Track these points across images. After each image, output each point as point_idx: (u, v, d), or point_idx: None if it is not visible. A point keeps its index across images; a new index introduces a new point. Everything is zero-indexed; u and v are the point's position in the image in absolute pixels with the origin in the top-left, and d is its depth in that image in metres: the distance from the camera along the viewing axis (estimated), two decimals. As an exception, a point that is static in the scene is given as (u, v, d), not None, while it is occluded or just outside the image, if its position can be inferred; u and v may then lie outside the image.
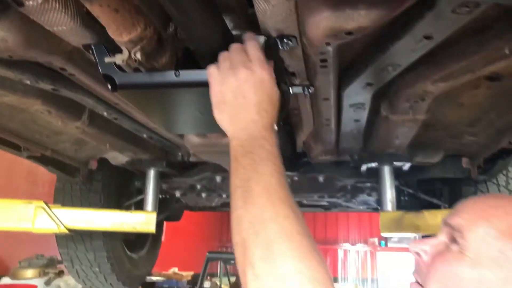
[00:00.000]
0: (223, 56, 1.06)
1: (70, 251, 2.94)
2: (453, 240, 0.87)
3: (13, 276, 5.94)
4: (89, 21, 1.12)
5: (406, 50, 1.19)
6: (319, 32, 1.03)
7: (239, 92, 1.00)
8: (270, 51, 1.22)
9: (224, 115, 1.03)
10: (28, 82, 1.46)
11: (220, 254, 8.64)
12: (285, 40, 1.20)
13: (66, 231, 2.37)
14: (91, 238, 2.88)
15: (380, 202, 2.33)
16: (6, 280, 5.78)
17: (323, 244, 14.83)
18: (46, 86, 1.50)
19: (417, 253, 0.92)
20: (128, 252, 3.29)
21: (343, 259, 14.73)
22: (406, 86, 1.46)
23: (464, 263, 0.83)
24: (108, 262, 2.96)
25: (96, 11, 0.97)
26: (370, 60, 1.30)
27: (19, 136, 2.18)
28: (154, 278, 9.67)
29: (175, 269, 10.32)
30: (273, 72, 1.05)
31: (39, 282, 5.91)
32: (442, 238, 0.91)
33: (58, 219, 2.35)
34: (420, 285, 0.89)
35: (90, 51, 1.21)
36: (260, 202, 0.86)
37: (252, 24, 1.19)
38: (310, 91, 1.53)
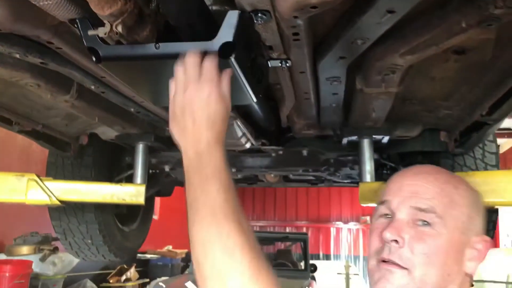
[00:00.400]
0: (178, 69, 1.10)
1: (63, 223, 3.03)
2: (422, 221, 0.97)
3: (9, 253, 6.03)
4: None
5: (372, 24, 1.27)
6: (287, 5, 1.11)
7: (187, 108, 1.04)
8: (246, 25, 1.30)
9: (175, 130, 1.08)
10: (17, 55, 1.53)
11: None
12: (259, 15, 1.28)
13: (58, 203, 2.46)
14: (83, 211, 2.97)
15: (360, 173, 2.43)
16: (2, 257, 5.87)
17: (316, 222, 15.08)
18: (35, 59, 1.57)
19: (396, 241, 0.96)
20: (120, 225, 3.39)
21: (335, 237, 14.98)
22: (376, 59, 1.54)
23: (444, 239, 0.95)
24: (100, 234, 3.06)
25: (77, -15, 1.05)
26: (340, 34, 1.38)
27: (10, 111, 2.25)
28: (148, 256, 9.84)
29: (169, 247, 10.48)
30: (226, 88, 1.10)
31: (35, 258, 6.01)
32: (403, 216, 0.99)
33: (50, 191, 2.44)
34: (404, 268, 0.95)
35: (75, 25, 1.28)
36: (206, 223, 0.93)
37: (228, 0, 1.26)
38: (287, 64, 1.61)
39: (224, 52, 1.26)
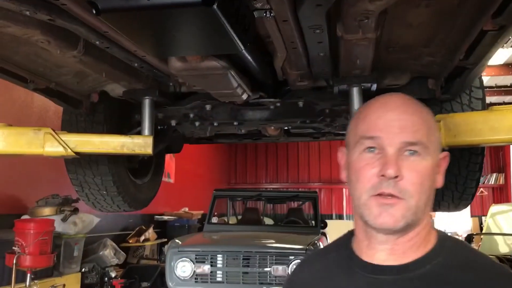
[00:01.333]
0: None
1: (79, 176, 3.28)
2: (409, 150, 1.02)
3: (32, 215, 6.32)
4: None
5: (338, -29, 1.42)
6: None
7: None
8: None
9: None
10: (28, 13, 1.72)
11: (226, 191, 9.03)
12: None
13: (73, 154, 2.68)
14: (97, 164, 3.21)
15: (349, 120, 2.59)
16: (26, 218, 6.17)
17: (328, 184, 15.32)
18: (43, 16, 1.75)
19: (396, 176, 1.00)
20: (133, 178, 3.63)
21: (347, 197, 15.22)
22: (349, 5, 1.69)
23: (429, 165, 1.04)
24: (113, 185, 3.29)
25: None
26: (313, -19, 1.53)
27: (24, 69, 2.46)
28: (165, 217, 10.18)
29: (186, 209, 10.78)
30: None
31: (56, 219, 6.29)
32: (394, 151, 1.02)
33: (65, 143, 2.65)
34: (402, 198, 1.00)
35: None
36: None
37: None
38: (271, 14, 1.77)
39: (207, 1, 1.43)
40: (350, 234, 1.18)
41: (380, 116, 1.06)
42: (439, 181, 1.09)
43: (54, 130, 2.68)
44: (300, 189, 14.58)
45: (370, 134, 1.06)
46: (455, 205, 3.37)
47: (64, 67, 2.54)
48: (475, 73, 2.46)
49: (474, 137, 2.24)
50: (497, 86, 11.81)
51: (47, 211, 6.42)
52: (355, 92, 2.59)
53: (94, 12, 1.48)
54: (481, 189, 14.83)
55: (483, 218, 13.23)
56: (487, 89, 11.66)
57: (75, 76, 2.70)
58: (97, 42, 2.09)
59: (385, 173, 1.00)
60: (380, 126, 1.05)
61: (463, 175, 3.06)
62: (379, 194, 1.02)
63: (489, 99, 12.28)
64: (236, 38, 1.71)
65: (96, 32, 1.98)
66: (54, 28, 1.92)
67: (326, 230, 7.60)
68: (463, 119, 2.31)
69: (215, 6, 1.45)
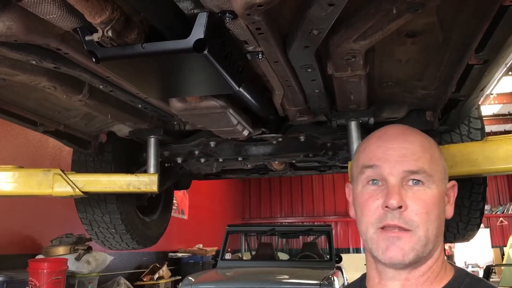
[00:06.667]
0: None
1: (89, 215, 3.35)
2: (413, 180, 1.00)
3: (46, 254, 6.39)
4: (73, 9, 1.47)
5: (320, 16, 1.50)
6: (238, 6, 1.35)
7: None
8: (218, 24, 1.56)
9: None
10: (34, 62, 1.84)
11: (239, 226, 9.05)
12: (227, 14, 1.54)
13: (81, 194, 2.77)
14: (106, 203, 3.28)
15: (349, 153, 2.65)
16: (40, 257, 6.24)
17: (344, 217, 15.19)
18: (49, 64, 1.87)
19: (400, 206, 0.98)
20: (141, 216, 3.69)
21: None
22: (336, 46, 1.77)
23: (435, 194, 1.01)
24: (122, 223, 3.36)
25: (71, 1, 1.32)
26: (298, 26, 1.62)
27: (34, 113, 2.58)
28: (179, 254, 10.17)
29: (200, 245, 10.77)
30: None
31: (70, 257, 6.35)
32: (397, 181, 1.00)
33: (73, 183, 2.75)
34: (409, 230, 0.98)
35: (78, 33, 1.57)
36: None
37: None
38: (263, 55, 1.86)
39: (198, 48, 1.53)
40: (364, 275, 1.15)
41: (380, 146, 1.05)
42: (449, 212, 1.06)
43: (63, 171, 2.78)
44: (315, 223, 14.48)
45: (370, 163, 1.05)
46: (461, 235, 3.36)
47: (72, 110, 2.65)
48: (470, 105, 2.51)
49: (471, 167, 2.28)
50: (510, 114, 11.78)
51: (61, 250, 6.48)
52: (353, 126, 2.66)
53: (94, 60, 1.59)
54: (501, 218, 14.59)
55: (504, 248, 12.95)
56: (500, 117, 11.64)
57: (83, 118, 2.81)
58: (101, 86, 2.20)
59: (388, 203, 0.98)
60: (380, 154, 1.04)
61: (466, 205, 3.07)
62: (385, 227, 0.99)
63: (503, 127, 12.24)
64: (229, 79, 1.80)
65: (99, 77, 2.09)
66: (59, 74, 2.04)
67: (342, 264, 7.51)
68: (459, 150, 2.35)
69: (206, 52, 1.55)
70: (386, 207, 0.99)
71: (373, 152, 1.06)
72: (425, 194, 1.00)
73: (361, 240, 14.65)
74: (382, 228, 0.99)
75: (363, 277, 1.15)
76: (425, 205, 0.99)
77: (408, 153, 1.02)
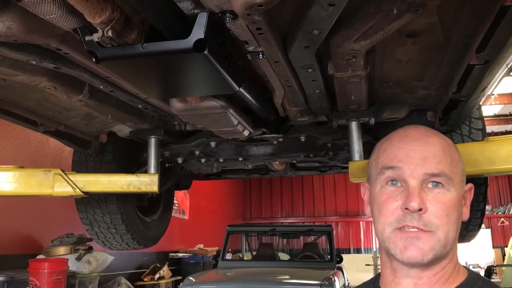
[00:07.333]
0: None
1: (89, 215, 3.35)
2: (432, 182, 1.01)
3: (47, 254, 6.39)
4: (73, 9, 1.47)
5: (320, 16, 1.49)
6: (238, 6, 1.35)
7: None
8: (218, 24, 1.56)
9: None
10: (34, 62, 1.84)
11: (240, 227, 9.04)
12: (227, 14, 1.53)
13: (81, 194, 2.76)
14: (106, 203, 3.28)
15: (350, 154, 2.65)
16: (41, 257, 6.24)
17: (345, 217, 15.20)
18: (49, 64, 1.87)
19: (421, 209, 0.99)
20: (141, 216, 3.69)
21: (365, 230, 15.05)
22: (336, 46, 1.76)
23: (455, 196, 1.01)
24: (122, 223, 3.36)
25: (71, 1, 1.32)
26: (299, 26, 1.61)
27: (35, 113, 2.58)
28: (180, 255, 10.17)
29: (201, 246, 10.77)
30: None
31: (71, 257, 6.35)
32: (417, 183, 1.01)
33: (74, 183, 2.74)
34: (429, 231, 0.99)
35: (78, 33, 1.57)
36: None
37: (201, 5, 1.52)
38: (263, 56, 1.86)
39: (198, 48, 1.53)
40: (378, 275, 1.17)
41: (401, 147, 1.05)
42: (466, 214, 1.07)
43: (63, 171, 2.78)
44: (316, 223, 14.47)
45: (391, 164, 1.05)
46: (462, 236, 3.35)
47: (73, 110, 2.65)
48: (471, 105, 2.50)
49: (471, 168, 2.27)
50: (511, 114, 11.77)
51: (62, 250, 6.48)
52: (354, 126, 2.66)
53: (94, 60, 1.58)
54: (502, 219, 14.58)
55: (506, 249, 12.92)
56: (501, 117, 11.62)
57: (83, 119, 2.81)
58: (101, 86, 2.19)
59: (409, 206, 0.99)
60: (401, 156, 1.04)
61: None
62: (403, 227, 1.00)
63: (504, 128, 12.23)
64: (230, 79, 1.79)
65: (99, 77, 2.09)
66: (59, 75, 2.04)
67: (343, 265, 7.50)
68: (460, 150, 2.33)
69: (206, 52, 1.54)
70: (406, 209, 0.99)
71: (394, 153, 1.06)
72: (445, 197, 1.00)
73: (361, 240, 14.76)
74: (401, 228, 1.00)
75: (377, 277, 1.16)
76: (444, 207, 1.00)
77: (429, 155, 1.02)
